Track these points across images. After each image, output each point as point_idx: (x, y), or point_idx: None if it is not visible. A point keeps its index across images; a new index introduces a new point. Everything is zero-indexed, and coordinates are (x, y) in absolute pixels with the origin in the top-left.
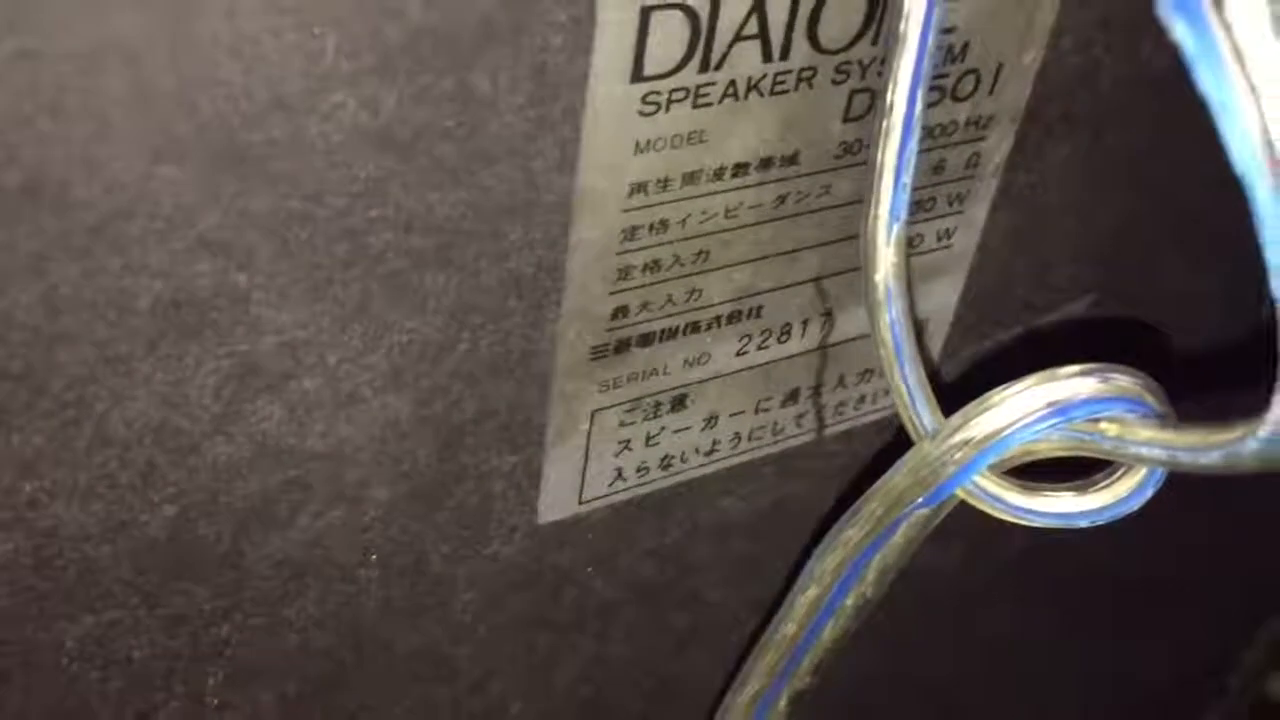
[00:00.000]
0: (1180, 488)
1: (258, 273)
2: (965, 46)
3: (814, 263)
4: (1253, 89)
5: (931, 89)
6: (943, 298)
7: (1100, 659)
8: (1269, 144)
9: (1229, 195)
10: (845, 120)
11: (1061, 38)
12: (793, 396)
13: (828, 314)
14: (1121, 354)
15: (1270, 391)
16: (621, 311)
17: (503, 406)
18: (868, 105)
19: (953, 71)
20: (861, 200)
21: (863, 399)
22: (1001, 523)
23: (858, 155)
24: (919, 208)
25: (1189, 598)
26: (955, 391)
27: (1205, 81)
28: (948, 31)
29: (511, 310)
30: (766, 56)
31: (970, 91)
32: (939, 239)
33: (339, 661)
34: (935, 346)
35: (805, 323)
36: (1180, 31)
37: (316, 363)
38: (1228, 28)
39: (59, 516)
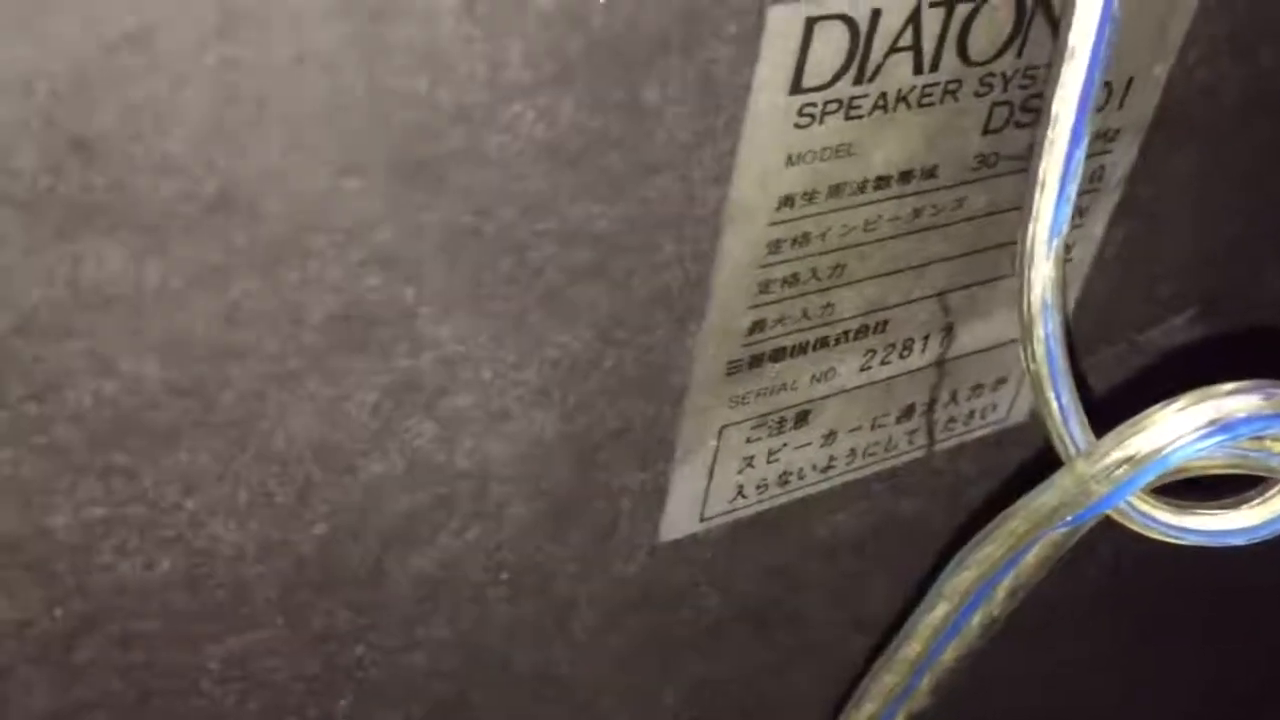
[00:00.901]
0: None
1: (425, 286)
2: None
3: (940, 277)
4: None
5: None
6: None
7: (1187, 667)
8: None
9: None
10: (984, 133)
11: (1189, 50)
12: (908, 412)
13: (948, 329)
14: (1219, 372)
15: None
16: (758, 326)
17: (638, 422)
18: (1006, 117)
19: None
20: (993, 213)
21: (972, 414)
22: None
23: (994, 168)
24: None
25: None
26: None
27: None
28: None
29: (657, 324)
30: (918, 69)
31: (1102, 104)
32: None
33: (461, 682)
34: None
35: (926, 338)
36: None
37: (471, 378)
38: None
39: (217, 536)
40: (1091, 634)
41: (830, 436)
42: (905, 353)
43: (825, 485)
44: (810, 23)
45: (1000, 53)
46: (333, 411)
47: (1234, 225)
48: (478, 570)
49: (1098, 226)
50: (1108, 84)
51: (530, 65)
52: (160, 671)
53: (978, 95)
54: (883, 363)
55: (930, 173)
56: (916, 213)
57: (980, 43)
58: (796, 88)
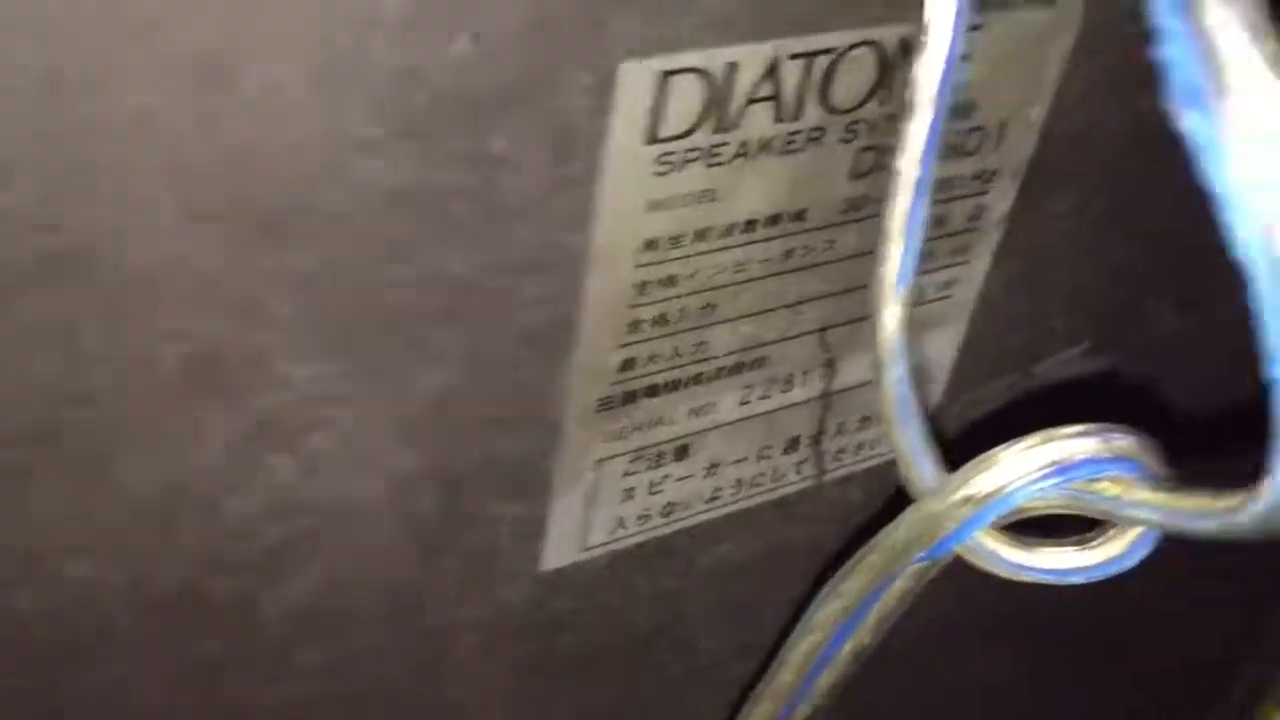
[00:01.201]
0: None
1: (279, 331)
2: (972, 104)
3: (817, 314)
4: (1260, 184)
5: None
6: (942, 347)
7: (1070, 698)
8: (1272, 239)
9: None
10: (852, 177)
11: (1065, 92)
12: (793, 444)
13: (829, 364)
14: (1118, 405)
15: (1263, 467)
16: (629, 364)
17: (510, 456)
18: (873, 162)
19: (960, 128)
20: (866, 253)
21: (860, 446)
22: None
23: (863, 210)
24: (921, 260)
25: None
26: (952, 440)
27: (1212, 173)
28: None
29: (523, 362)
30: (779, 117)
31: (976, 147)
32: (939, 290)
33: (345, 708)
34: (934, 395)
35: (807, 373)
36: (1189, 123)
37: (332, 417)
38: (1236, 121)
39: (77, 575)
40: (990, 657)
41: (713, 469)
42: (786, 387)
43: (711, 515)
44: (664, 76)
45: (864, 101)
46: (191, 451)
47: (1121, 262)
48: (350, 600)
49: (980, 264)
50: (980, 128)
51: (373, 121)
52: (25, 700)
53: (843, 141)
54: (762, 397)
55: (799, 215)
56: (788, 254)
57: (843, 92)
58: (653, 137)
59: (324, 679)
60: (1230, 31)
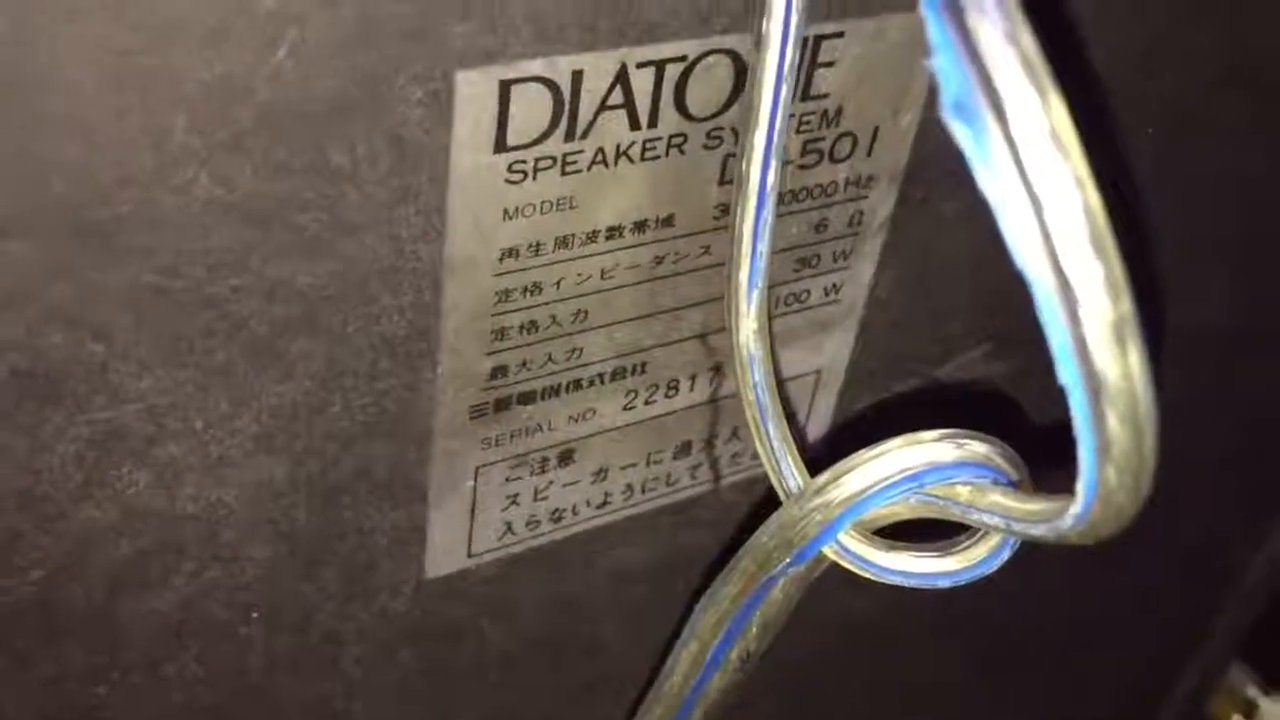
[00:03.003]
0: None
1: (115, 342)
2: (840, 111)
3: (697, 319)
4: (1031, 195)
5: (809, 151)
6: (834, 351)
7: (1028, 695)
8: (1048, 247)
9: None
10: (721, 183)
11: (937, 97)
12: (685, 449)
13: (716, 368)
14: (1019, 407)
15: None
16: (500, 371)
17: (381, 465)
18: None
19: (829, 135)
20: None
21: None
22: None
23: None
24: (804, 264)
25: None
26: (851, 444)
27: (984, 182)
28: (820, 97)
29: (384, 372)
30: (634, 125)
31: (848, 153)
32: (826, 294)
33: (227, 718)
34: (830, 400)
35: (693, 378)
36: (959, 133)
37: (181, 428)
38: (1008, 134)
39: None
40: (927, 661)
41: (601, 474)
42: (671, 393)
43: (604, 520)
44: (505, 85)
45: (724, 108)
46: (32, 462)
47: (1011, 263)
48: (223, 610)
49: (865, 268)
50: (851, 134)
51: (196, 133)
52: None
53: (707, 148)
54: (647, 402)
55: (667, 222)
56: (658, 260)
57: (700, 100)
58: (502, 146)
59: (203, 690)
60: (994, 44)
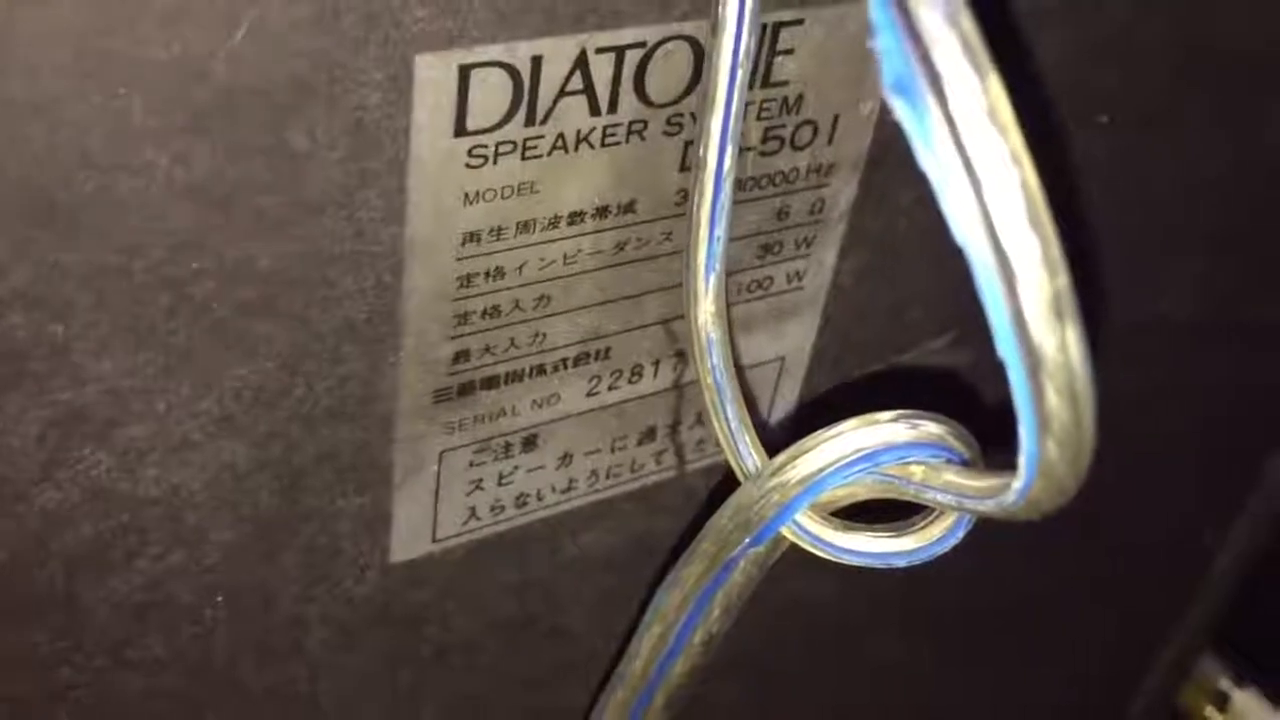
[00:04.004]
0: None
1: (75, 323)
2: (800, 98)
3: (660, 305)
4: (970, 172)
5: (770, 138)
6: (798, 338)
7: (1001, 685)
8: (986, 223)
9: (1083, 231)
10: (682, 169)
11: None
12: (650, 434)
13: (679, 354)
14: (979, 393)
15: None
16: (463, 355)
17: (345, 449)
18: None
19: (789, 122)
20: None
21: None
22: None
23: None
24: (766, 251)
25: (1085, 622)
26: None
27: (925, 161)
28: (780, 85)
29: (346, 356)
30: (594, 110)
31: (809, 141)
32: (789, 280)
33: (191, 702)
34: (794, 386)
35: (657, 363)
36: (900, 112)
37: (144, 410)
38: (947, 113)
39: None
40: (894, 651)
41: (565, 459)
42: (635, 378)
43: (569, 505)
44: (464, 69)
45: (684, 95)
46: None
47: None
48: (187, 593)
49: (828, 255)
50: (812, 122)
51: (155, 114)
52: None
53: (667, 134)
54: (610, 388)
55: (628, 208)
56: (620, 246)
57: (659, 86)
58: (462, 130)
59: (166, 674)
60: (934, 25)
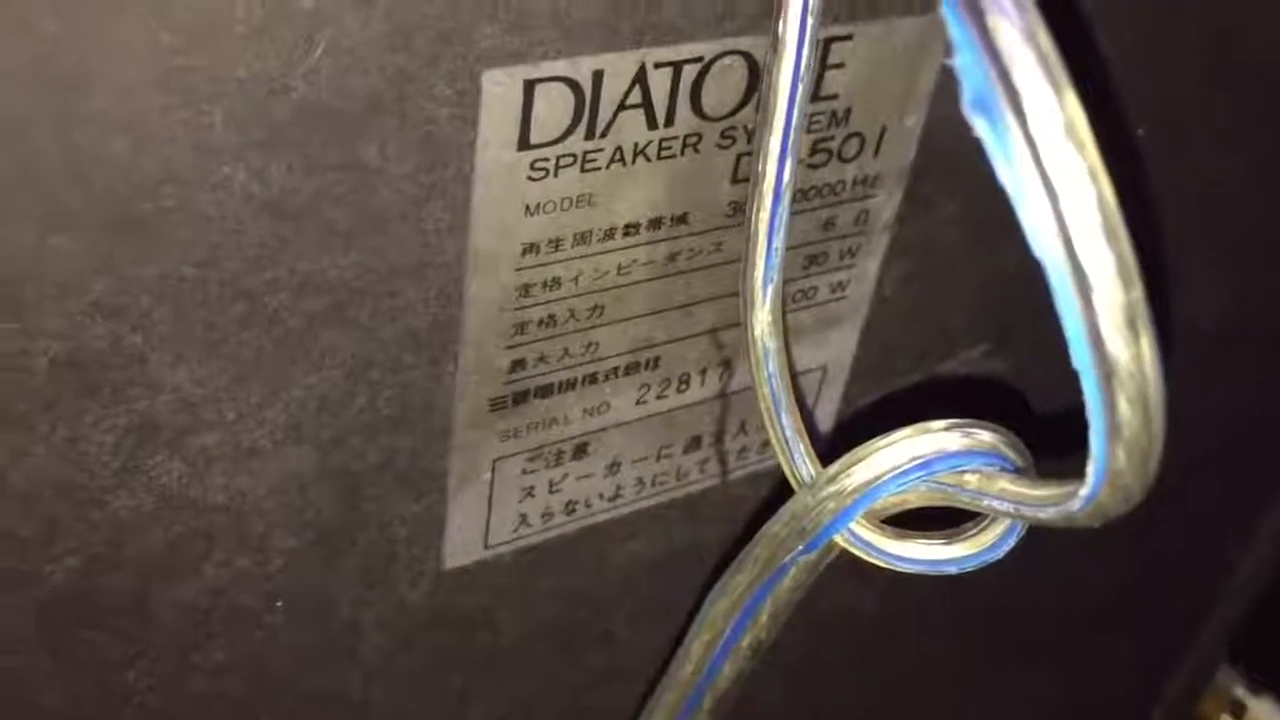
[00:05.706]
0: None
1: (153, 334)
2: (848, 112)
3: (709, 315)
4: (1048, 186)
5: (818, 151)
6: (840, 347)
7: (1024, 691)
8: (1063, 236)
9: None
10: (734, 181)
11: (941, 100)
12: (695, 443)
13: (725, 364)
14: (1018, 402)
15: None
16: (519, 364)
17: (404, 456)
18: None
19: (837, 135)
20: None
21: (765, 444)
22: None
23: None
24: (812, 262)
25: (1111, 627)
26: (855, 438)
27: (1004, 176)
28: (830, 98)
29: (409, 365)
30: (652, 124)
31: (855, 153)
32: (833, 291)
33: (250, 705)
34: (835, 394)
35: (704, 372)
36: (980, 129)
37: (215, 418)
38: (1026, 130)
39: None
40: (918, 658)
41: (614, 467)
42: (683, 387)
43: (617, 513)
44: (529, 84)
45: (738, 108)
46: (70, 451)
47: (1018, 264)
48: (250, 598)
49: (871, 266)
50: (859, 135)
51: (235, 129)
52: None
53: (720, 147)
54: (659, 397)
55: (681, 219)
56: (672, 257)
57: (715, 99)
58: (525, 144)
59: (227, 678)
60: (1013, 43)
